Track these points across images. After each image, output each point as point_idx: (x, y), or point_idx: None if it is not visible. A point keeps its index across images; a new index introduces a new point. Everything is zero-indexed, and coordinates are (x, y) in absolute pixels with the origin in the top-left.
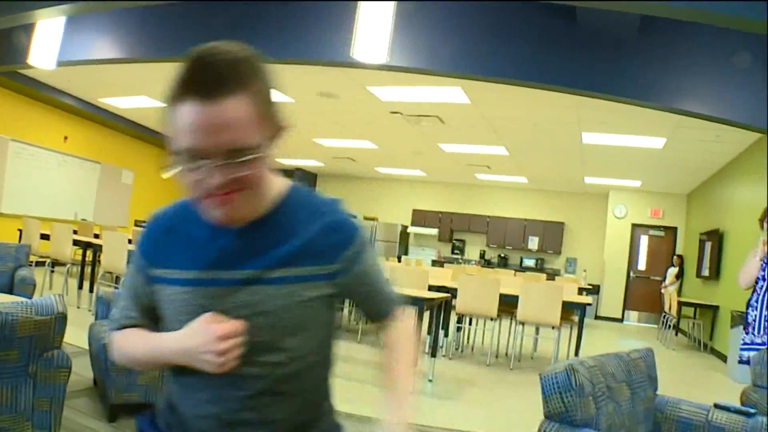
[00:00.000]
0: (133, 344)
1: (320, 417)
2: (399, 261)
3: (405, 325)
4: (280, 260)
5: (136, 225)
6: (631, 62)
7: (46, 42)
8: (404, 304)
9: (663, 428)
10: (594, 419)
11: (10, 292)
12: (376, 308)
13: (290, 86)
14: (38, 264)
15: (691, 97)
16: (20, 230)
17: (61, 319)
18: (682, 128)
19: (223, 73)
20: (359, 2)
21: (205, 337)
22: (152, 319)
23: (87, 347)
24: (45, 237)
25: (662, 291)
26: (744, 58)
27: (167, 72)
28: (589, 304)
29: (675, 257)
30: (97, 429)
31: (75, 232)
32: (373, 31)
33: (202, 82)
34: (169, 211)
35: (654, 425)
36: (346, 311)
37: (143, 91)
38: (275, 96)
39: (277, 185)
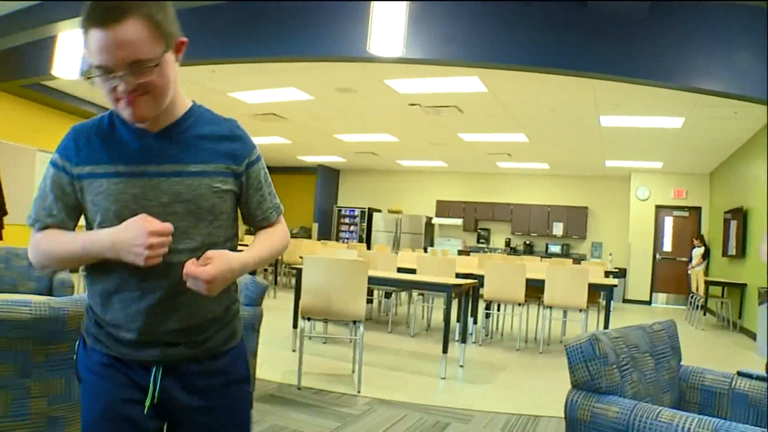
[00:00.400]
0: (60, 242)
1: (229, 310)
2: (425, 252)
3: (281, 227)
4: (196, 157)
5: None
6: (644, 43)
7: (69, 53)
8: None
9: (687, 396)
10: (619, 387)
11: (50, 294)
12: (261, 215)
13: (309, 83)
14: (71, 270)
15: (706, 74)
16: None
17: None
18: (699, 107)
19: (117, 3)
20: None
21: (137, 231)
22: (72, 219)
23: None
24: None
25: (689, 272)
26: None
27: (186, 76)
28: (615, 286)
29: (695, 238)
30: None
31: None
32: (388, 24)
33: (101, 11)
34: (88, 123)
35: (679, 394)
36: (375, 303)
37: None
38: (170, 15)
39: (183, 100)
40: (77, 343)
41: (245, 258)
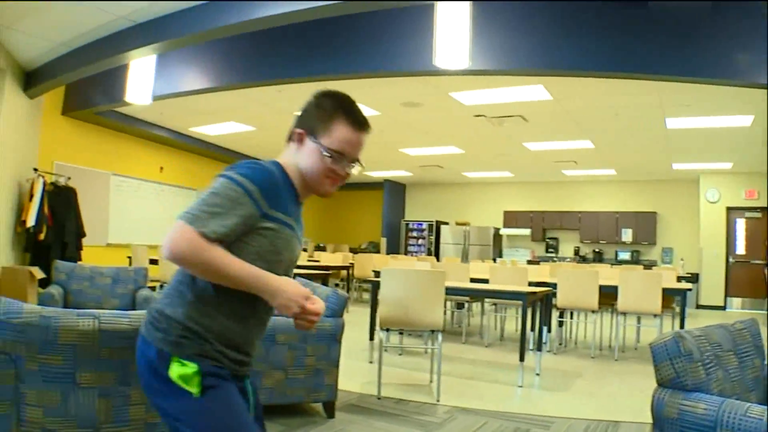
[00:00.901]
0: (231, 263)
1: None
2: (494, 263)
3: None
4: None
5: None
6: (708, 41)
7: (141, 79)
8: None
9: None
10: (705, 384)
11: (134, 309)
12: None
13: (375, 99)
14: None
15: None
16: (129, 257)
17: None
18: None
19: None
20: (435, 10)
21: (300, 292)
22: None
23: None
24: (153, 262)
25: (765, 273)
26: None
27: (252, 97)
28: (689, 290)
29: None
30: None
31: None
32: (452, 37)
33: (364, 120)
34: (275, 171)
35: (764, 393)
36: (447, 314)
37: (230, 117)
38: None
39: None
40: (178, 363)
41: None
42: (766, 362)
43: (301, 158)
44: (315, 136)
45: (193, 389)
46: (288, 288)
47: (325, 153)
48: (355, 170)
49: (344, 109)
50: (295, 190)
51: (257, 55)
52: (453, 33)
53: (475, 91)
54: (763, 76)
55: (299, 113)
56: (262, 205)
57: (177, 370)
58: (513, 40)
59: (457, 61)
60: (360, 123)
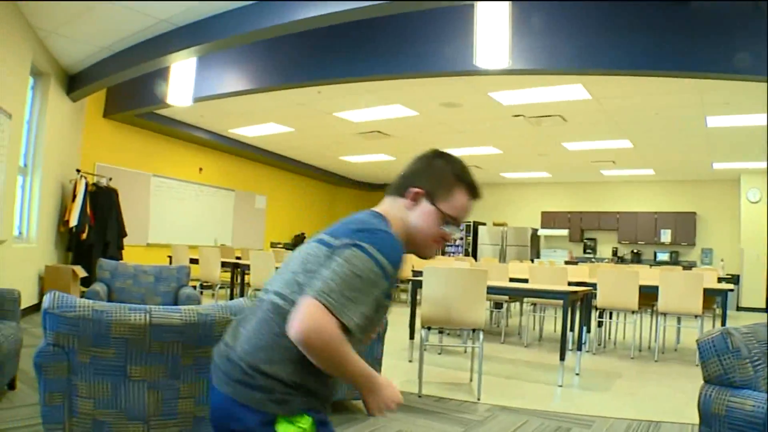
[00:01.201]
0: (353, 360)
1: None
2: (532, 263)
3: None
4: None
5: (272, 246)
6: (749, 38)
7: (181, 81)
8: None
9: None
10: (753, 382)
11: None
12: None
13: (414, 99)
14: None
15: None
16: (170, 257)
17: None
18: None
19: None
20: (476, 11)
21: (393, 397)
22: None
23: None
24: (193, 261)
25: None
26: None
27: (290, 98)
28: (731, 290)
29: None
30: None
31: None
32: (493, 37)
33: (479, 188)
34: (401, 244)
35: None
36: (487, 314)
37: (269, 119)
38: None
39: None
40: (286, 422)
41: None
42: None
43: (414, 218)
44: (434, 199)
45: None
46: (386, 392)
47: (446, 219)
48: (458, 233)
49: (466, 178)
50: None
51: (297, 57)
52: (493, 33)
53: (514, 91)
54: None
55: (411, 170)
56: (394, 278)
57: (286, 429)
58: (552, 39)
59: (497, 60)
60: (478, 194)
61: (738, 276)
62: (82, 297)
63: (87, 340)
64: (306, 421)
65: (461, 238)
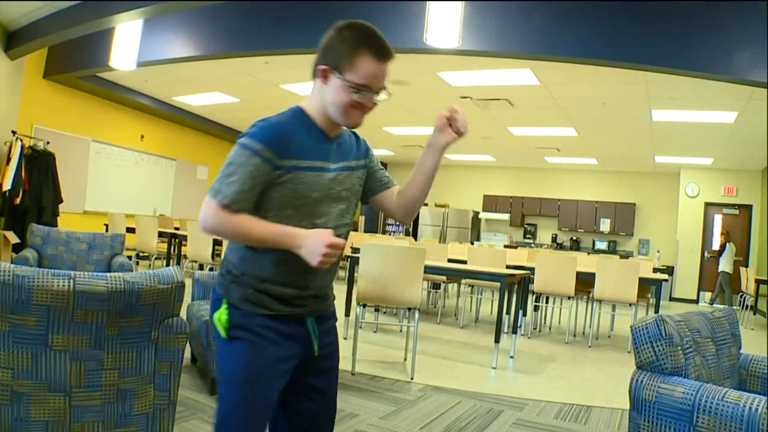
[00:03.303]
0: (255, 227)
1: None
2: (472, 245)
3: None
4: (354, 156)
5: None
6: (700, 34)
7: (126, 44)
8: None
9: (748, 384)
10: (683, 369)
11: None
12: (387, 180)
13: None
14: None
15: (763, 66)
16: (106, 225)
17: (180, 288)
18: (754, 100)
19: (388, 43)
20: None
21: (320, 241)
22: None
23: None
24: (130, 230)
25: (719, 271)
26: None
27: (238, 67)
28: (665, 280)
29: (722, 235)
30: (201, 401)
31: None
32: (445, 15)
33: (386, 50)
34: (284, 120)
35: (739, 380)
36: (423, 294)
37: (216, 88)
38: None
39: None
40: (223, 307)
41: None
42: (741, 350)
43: (328, 94)
44: (340, 71)
45: (222, 333)
46: (308, 242)
47: (351, 89)
48: (383, 96)
49: (368, 40)
50: (320, 129)
51: (245, 25)
52: (445, 11)
53: (463, 72)
54: (754, 73)
55: (321, 47)
56: (273, 158)
57: (219, 313)
58: (505, 22)
59: (447, 39)
60: (384, 54)
61: (673, 267)
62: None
63: (6, 306)
64: (223, 314)
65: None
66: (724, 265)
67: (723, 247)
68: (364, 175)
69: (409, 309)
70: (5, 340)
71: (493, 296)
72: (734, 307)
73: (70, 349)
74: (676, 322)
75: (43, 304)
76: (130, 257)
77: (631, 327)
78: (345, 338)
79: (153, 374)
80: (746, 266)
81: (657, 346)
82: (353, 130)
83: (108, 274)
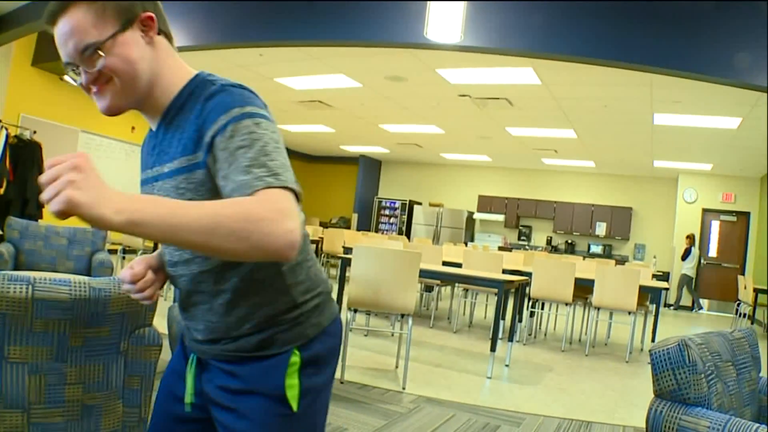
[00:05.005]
0: None
1: (275, 317)
2: (466, 246)
3: (254, 198)
4: (170, 154)
5: None
6: (707, 37)
7: None
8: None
9: None
10: (706, 398)
11: (89, 275)
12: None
13: (358, 70)
14: (110, 251)
15: None
16: None
17: None
18: (758, 106)
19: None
20: None
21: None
22: None
23: (166, 331)
24: None
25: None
26: None
27: (231, 59)
28: (666, 289)
29: (687, 238)
30: None
31: None
32: (447, 10)
33: (49, 8)
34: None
35: (758, 407)
36: (417, 295)
37: None
38: None
39: (177, 82)
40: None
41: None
42: (761, 373)
43: None
44: None
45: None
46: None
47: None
48: (100, 64)
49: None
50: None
51: (240, 16)
52: (447, 5)
53: (462, 69)
54: (761, 78)
55: None
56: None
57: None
58: (508, 18)
59: (449, 34)
60: (46, 16)
61: (668, 273)
62: None
63: None
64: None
65: (395, 216)
66: (687, 269)
67: (688, 251)
68: (198, 178)
69: (402, 315)
70: None
71: (487, 300)
72: (730, 315)
73: (29, 362)
74: (698, 345)
75: None
76: (115, 251)
77: (650, 351)
78: None
79: (122, 389)
80: (743, 274)
81: (679, 373)
82: (212, 90)
83: (72, 279)
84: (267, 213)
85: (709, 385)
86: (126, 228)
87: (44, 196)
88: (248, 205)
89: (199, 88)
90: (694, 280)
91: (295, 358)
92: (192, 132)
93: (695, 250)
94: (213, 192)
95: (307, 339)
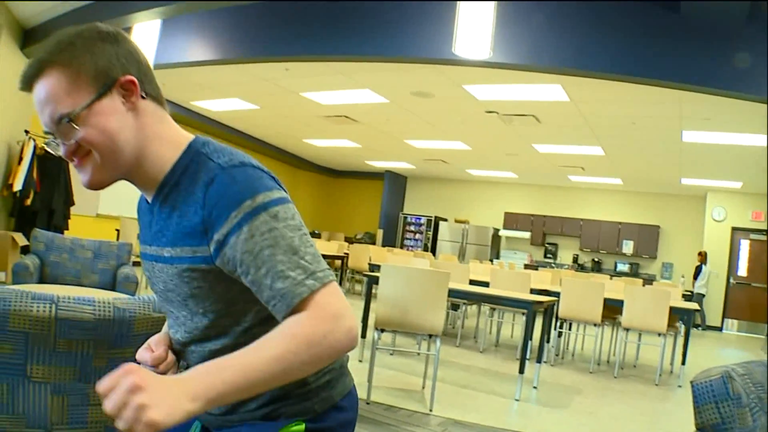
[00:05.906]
0: None
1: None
2: (492, 264)
3: (303, 319)
4: (169, 237)
5: None
6: (738, 54)
7: (143, 45)
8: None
9: None
10: None
11: (113, 289)
12: (267, 306)
13: (385, 86)
14: (135, 264)
15: None
16: (117, 230)
17: None
18: None
19: (34, 62)
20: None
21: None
22: None
23: None
24: None
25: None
26: None
27: (257, 73)
28: (698, 310)
29: (699, 256)
30: None
31: None
32: (476, 26)
33: (23, 72)
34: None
35: None
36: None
37: (234, 94)
38: (106, 53)
39: (168, 152)
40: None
41: (201, 383)
42: None
43: None
44: None
45: None
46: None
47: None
48: (75, 136)
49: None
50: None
51: (267, 30)
52: (476, 22)
53: (490, 86)
54: None
55: None
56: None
57: None
58: (537, 35)
59: (477, 51)
60: (20, 80)
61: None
62: None
63: None
64: None
65: (420, 233)
66: (699, 286)
67: (699, 269)
68: (203, 269)
69: (430, 335)
70: None
71: (514, 319)
72: (761, 336)
73: (52, 382)
74: (740, 377)
75: (20, 331)
76: (140, 264)
77: (691, 382)
78: (360, 360)
79: None
80: None
81: (723, 407)
82: (212, 175)
83: (97, 296)
84: (325, 326)
85: (754, 419)
86: (208, 408)
87: (120, 427)
88: (306, 330)
89: (194, 163)
90: (704, 298)
91: (299, 427)
92: (196, 222)
93: (706, 268)
94: (220, 278)
95: (315, 414)
